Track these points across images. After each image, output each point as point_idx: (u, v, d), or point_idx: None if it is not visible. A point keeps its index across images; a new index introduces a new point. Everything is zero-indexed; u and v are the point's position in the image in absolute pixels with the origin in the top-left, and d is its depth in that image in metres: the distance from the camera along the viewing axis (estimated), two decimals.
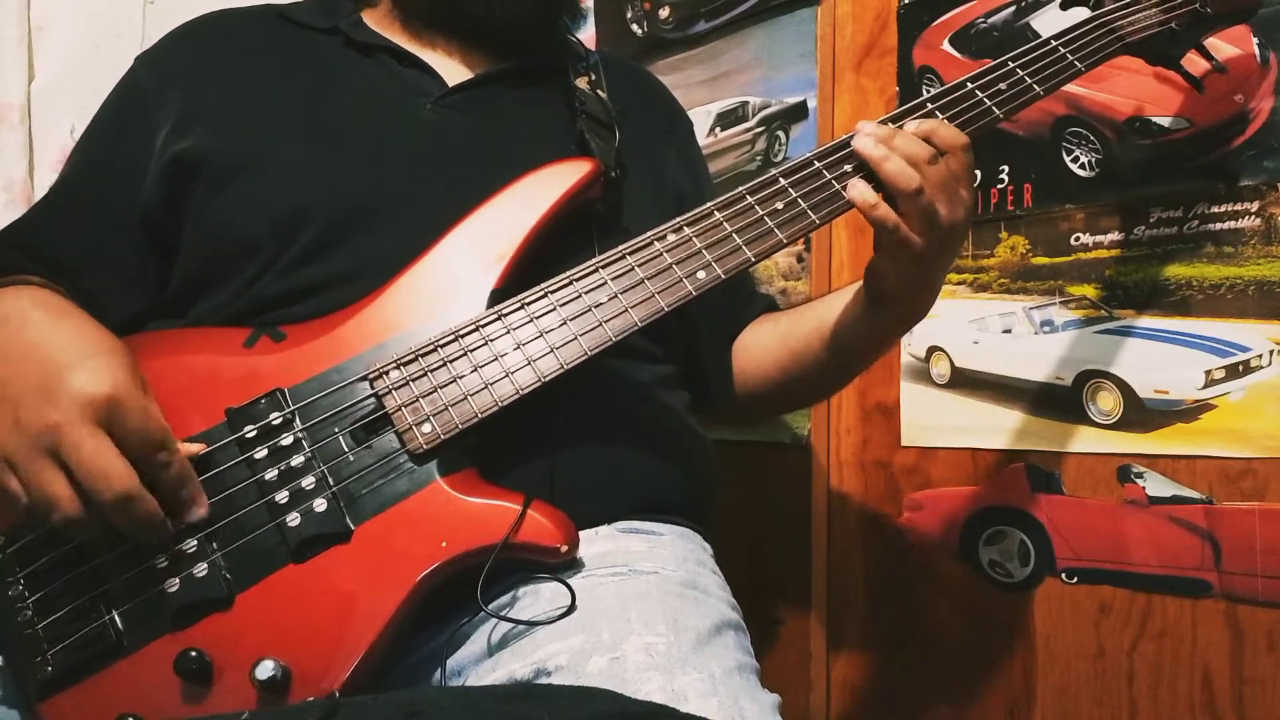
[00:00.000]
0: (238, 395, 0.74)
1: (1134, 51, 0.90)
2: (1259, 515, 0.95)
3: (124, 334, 0.76)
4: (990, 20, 1.15)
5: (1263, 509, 0.94)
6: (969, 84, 0.83)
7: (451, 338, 0.76)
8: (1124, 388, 1.03)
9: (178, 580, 0.70)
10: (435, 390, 0.74)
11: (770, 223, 0.79)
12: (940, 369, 1.18)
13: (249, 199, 0.84)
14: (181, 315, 0.86)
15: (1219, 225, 0.98)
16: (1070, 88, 0.95)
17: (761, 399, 1.05)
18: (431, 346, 0.76)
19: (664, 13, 1.50)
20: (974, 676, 1.14)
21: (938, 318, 1.10)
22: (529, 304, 0.77)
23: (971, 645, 1.15)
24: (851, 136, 0.80)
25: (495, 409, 0.74)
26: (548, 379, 0.75)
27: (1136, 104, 1.03)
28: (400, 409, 0.74)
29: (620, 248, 0.79)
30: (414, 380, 0.75)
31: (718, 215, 0.80)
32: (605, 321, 0.76)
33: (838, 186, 0.80)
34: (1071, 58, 0.85)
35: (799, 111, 1.32)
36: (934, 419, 1.18)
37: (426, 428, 0.73)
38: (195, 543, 0.70)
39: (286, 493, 0.71)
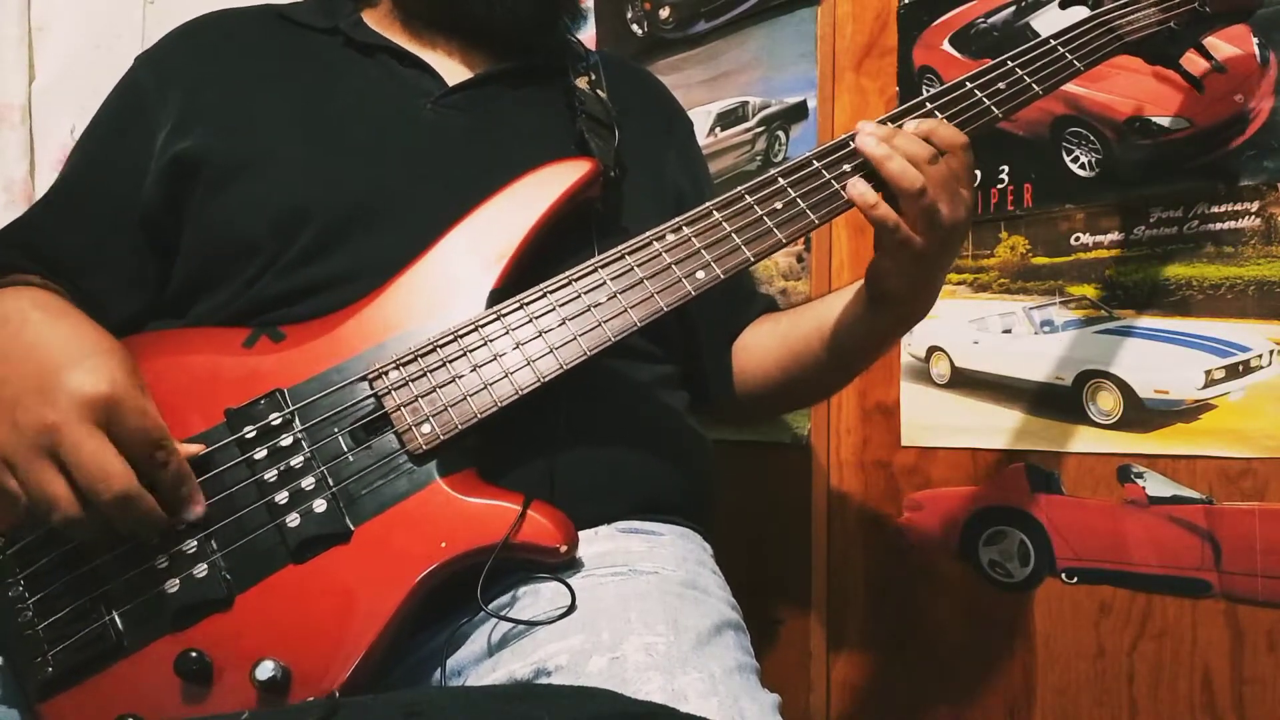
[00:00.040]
0: (237, 395, 0.74)
1: (1133, 51, 0.91)
2: (1259, 515, 0.95)
3: (124, 334, 0.76)
4: (990, 20, 1.15)
5: (1263, 509, 0.94)
6: (968, 83, 0.83)
7: (451, 338, 0.76)
8: (1124, 388, 1.03)
9: (178, 581, 0.70)
10: (434, 390, 0.74)
11: (769, 222, 0.79)
12: (940, 369, 1.18)
13: (249, 199, 0.84)
14: (181, 315, 0.86)
15: (1219, 225, 0.98)
16: (1070, 87, 0.95)
17: (761, 399, 1.05)
18: (431, 347, 0.76)
19: (664, 13, 1.50)
20: (974, 676, 1.14)
21: (938, 318, 1.10)
22: (528, 304, 0.77)
23: (971, 645, 1.15)
24: (851, 136, 0.80)
25: (495, 409, 0.74)
26: (547, 379, 0.75)
27: (1136, 104, 1.03)
28: (400, 409, 0.74)
29: (619, 248, 0.79)
30: (413, 380, 0.75)
31: (717, 215, 0.79)
32: (604, 321, 0.76)
33: (837, 186, 0.80)
34: (1070, 57, 0.85)
35: (799, 111, 1.32)
36: (934, 419, 1.18)
37: (426, 428, 0.73)
38: (195, 543, 0.70)
39: (286, 493, 0.71)
